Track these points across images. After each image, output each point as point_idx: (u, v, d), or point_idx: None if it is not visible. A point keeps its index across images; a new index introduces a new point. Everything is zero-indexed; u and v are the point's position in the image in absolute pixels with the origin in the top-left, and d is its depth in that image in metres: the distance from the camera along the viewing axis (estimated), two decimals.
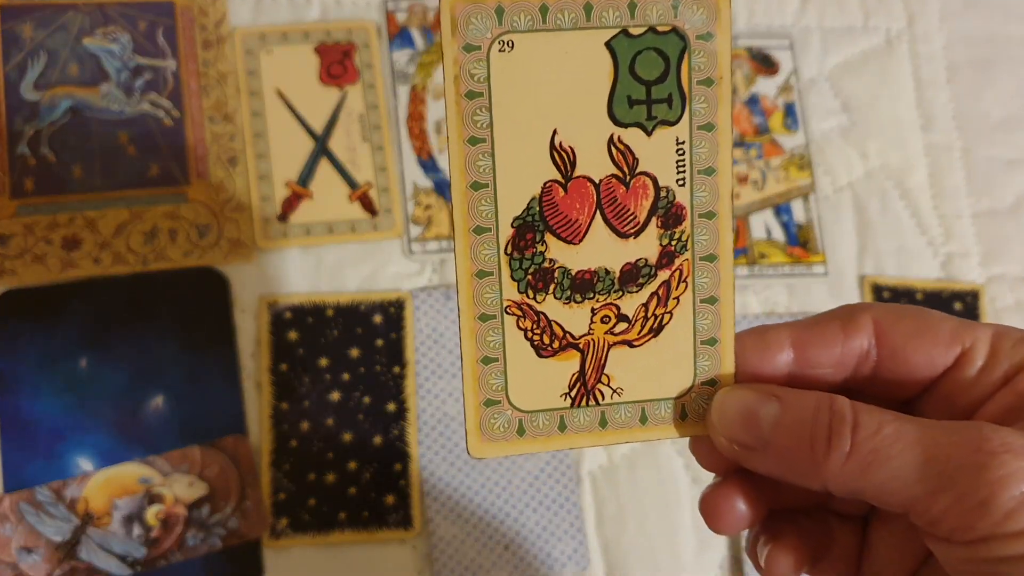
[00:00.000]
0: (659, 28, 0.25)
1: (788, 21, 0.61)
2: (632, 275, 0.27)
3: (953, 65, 0.63)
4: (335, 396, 0.50)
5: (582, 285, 0.26)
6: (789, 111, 0.59)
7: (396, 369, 0.51)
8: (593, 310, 0.27)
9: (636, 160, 0.26)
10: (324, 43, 0.54)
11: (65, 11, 0.51)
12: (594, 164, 0.26)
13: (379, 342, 0.51)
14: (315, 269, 0.52)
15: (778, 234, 0.57)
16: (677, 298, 0.27)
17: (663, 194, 0.26)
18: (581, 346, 0.27)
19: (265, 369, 0.50)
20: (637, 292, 0.27)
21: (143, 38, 0.52)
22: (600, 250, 0.26)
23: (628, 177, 0.26)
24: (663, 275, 0.27)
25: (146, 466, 0.47)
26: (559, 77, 0.25)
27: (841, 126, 0.60)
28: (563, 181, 0.26)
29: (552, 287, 0.26)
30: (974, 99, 0.63)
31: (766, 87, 0.59)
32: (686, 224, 0.26)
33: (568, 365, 0.27)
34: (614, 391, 0.27)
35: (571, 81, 0.25)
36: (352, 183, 0.53)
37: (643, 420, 0.27)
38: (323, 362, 0.50)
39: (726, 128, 0.26)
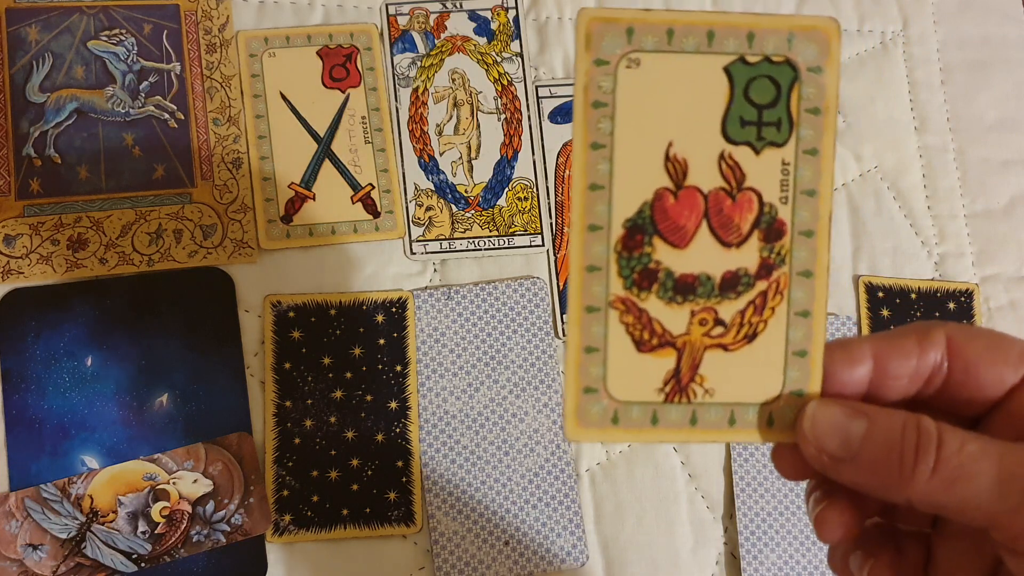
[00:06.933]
0: (774, 58, 0.28)
1: None
2: (732, 283, 0.28)
3: (947, 67, 0.63)
4: (338, 394, 0.50)
5: (684, 287, 0.28)
6: None
7: (398, 367, 0.51)
8: (692, 312, 0.28)
9: (743, 176, 0.28)
10: (327, 46, 0.54)
11: (70, 14, 0.52)
12: (704, 176, 0.28)
13: (381, 341, 0.51)
14: (318, 269, 0.52)
15: None
16: (773, 308, 0.28)
17: (766, 210, 0.28)
18: (678, 345, 0.28)
19: (269, 367, 0.50)
20: (735, 299, 0.28)
21: (148, 41, 0.52)
22: (703, 256, 0.28)
23: (735, 191, 0.28)
24: (761, 285, 0.28)
25: (151, 463, 0.48)
26: (678, 95, 0.27)
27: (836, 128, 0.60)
28: (674, 189, 0.28)
29: (655, 287, 0.28)
30: (968, 101, 0.63)
31: None
32: (786, 240, 0.28)
33: (665, 362, 0.28)
34: (706, 391, 0.28)
35: (689, 99, 0.27)
36: (354, 185, 0.53)
37: (731, 422, 0.28)
38: (326, 360, 0.51)
39: (829, 155, 0.28)
